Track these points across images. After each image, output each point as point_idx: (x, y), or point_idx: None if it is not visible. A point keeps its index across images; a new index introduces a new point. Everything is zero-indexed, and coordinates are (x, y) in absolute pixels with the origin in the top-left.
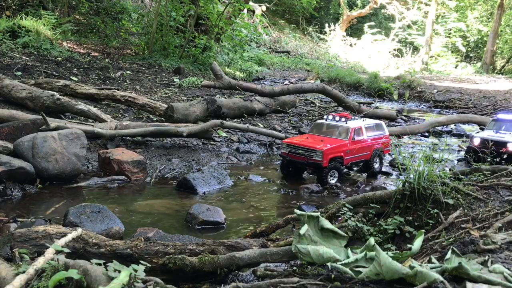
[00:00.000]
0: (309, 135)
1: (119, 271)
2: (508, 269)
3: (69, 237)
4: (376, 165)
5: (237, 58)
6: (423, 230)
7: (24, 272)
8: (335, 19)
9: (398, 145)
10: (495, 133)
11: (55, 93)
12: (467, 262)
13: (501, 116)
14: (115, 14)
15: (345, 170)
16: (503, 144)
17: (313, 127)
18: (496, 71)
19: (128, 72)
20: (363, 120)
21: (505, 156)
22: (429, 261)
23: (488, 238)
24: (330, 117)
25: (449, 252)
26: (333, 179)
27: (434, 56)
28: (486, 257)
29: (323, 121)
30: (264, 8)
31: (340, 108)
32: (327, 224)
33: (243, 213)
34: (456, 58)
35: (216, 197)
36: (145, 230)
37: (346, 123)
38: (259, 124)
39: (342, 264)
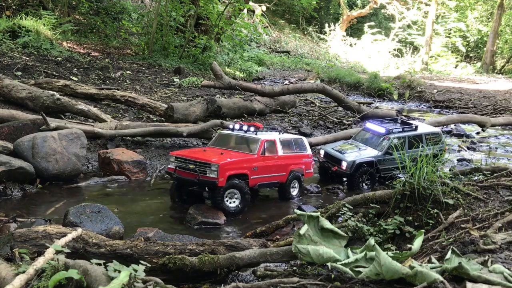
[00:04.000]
0: (209, 148)
1: (119, 271)
2: (508, 269)
3: (69, 237)
4: (295, 191)
5: (237, 58)
6: (423, 230)
7: (24, 272)
8: (335, 19)
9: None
10: (341, 147)
11: (55, 93)
12: (467, 262)
13: (368, 125)
14: (115, 14)
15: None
16: (337, 161)
17: (216, 139)
18: (496, 71)
19: (128, 72)
20: (280, 133)
21: (334, 174)
22: (429, 261)
23: (488, 238)
24: (237, 126)
25: (449, 252)
26: (233, 202)
27: (434, 56)
28: (486, 257)
29: (228, 131)
30: (264, 8)
31: (340, 108)
32: (327, 224)
33: (243, 213)
34: (456, 58)
35: None
36: (145, 230)
37: (256, 134)
38: None
39: (342, 264)
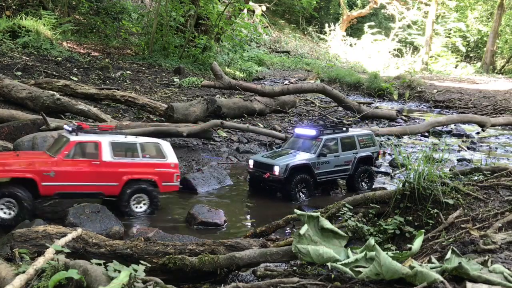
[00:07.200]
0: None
1: (119, 271)
2: (508, 269)
3: (69, 237)
4: (141, 208)
5: (237, 58)
6: (423, 230)
7: (24, 272)
8: (335, 19)
9: (398, 145)
10: (271, 154)
11: (55, 93)
12: (467, 262)
13: (297, 131)
14: (115, 14)
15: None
16: (269, 167)
17: (55, 140)
18: (496, 71)
19: (128, 72)
20: (125, 137)
21: (269, 181)
22: (429, 261)
23: (488, 238)
24: (67, 126)
25: (449, 252)
26: (7, 212)
27: (434, 56)
28: (486, 257)
29: (65, 132)
30: (264, 8)
31: (340, 108)
32: (327, 224)
33: (243, 213)
34: (456, 58)
35: (216, 197)
36: (145, 230)
37: (77, 135)
38: (259, 124)
39: (342, 264)
